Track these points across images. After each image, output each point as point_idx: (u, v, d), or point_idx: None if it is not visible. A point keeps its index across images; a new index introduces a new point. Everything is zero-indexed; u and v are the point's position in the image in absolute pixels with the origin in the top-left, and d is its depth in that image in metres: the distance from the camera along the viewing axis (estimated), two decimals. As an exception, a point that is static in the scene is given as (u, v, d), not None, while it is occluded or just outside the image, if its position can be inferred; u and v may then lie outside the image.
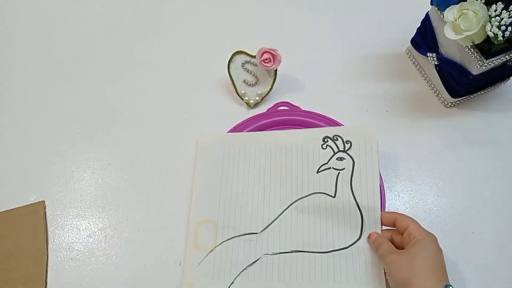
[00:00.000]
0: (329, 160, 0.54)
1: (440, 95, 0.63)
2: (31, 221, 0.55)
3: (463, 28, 0.50)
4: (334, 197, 0.52)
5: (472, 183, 0.57)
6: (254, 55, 0.61)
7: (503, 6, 0.49)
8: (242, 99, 0.63)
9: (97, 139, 0.61)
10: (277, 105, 0.63)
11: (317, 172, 0.54)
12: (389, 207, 0.56)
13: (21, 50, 0.70)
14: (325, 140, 0.55)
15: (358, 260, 0.49)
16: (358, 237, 0.50)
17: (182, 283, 0.50)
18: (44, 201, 0.56)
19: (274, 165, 0.55)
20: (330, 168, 0.54)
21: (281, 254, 0.50)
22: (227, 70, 0.62)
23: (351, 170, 0.53)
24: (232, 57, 0.61)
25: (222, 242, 0.51)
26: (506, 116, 0.62)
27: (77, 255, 0.53)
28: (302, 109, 0.62)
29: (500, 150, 0.60)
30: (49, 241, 0.54)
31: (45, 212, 0.56)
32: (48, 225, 0.55)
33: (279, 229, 0.52)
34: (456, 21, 0.50)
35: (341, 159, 0.53)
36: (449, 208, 0.56)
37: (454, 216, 0.55)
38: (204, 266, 0.50)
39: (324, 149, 0.55)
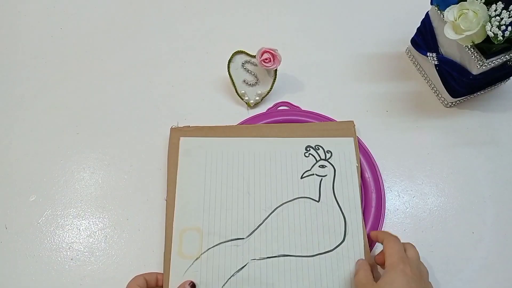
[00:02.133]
0: (312, 167, 0.56)
1: (440, 95, 0.63)
2: (346, 136, 0.58)
3: (463, 28, 0.50)
4: (318, 201, 0.54)
5: (472, 183, 0.57)
6: (254, 55, 0.61)
7: (503, 6, 0.49)
8: (242, 99, 0.63)
9: (97, 139, 0.61)
10: (277, 105, 0.63)
11: (301, 177, 0.55)
12: (389, 207, 0.56)
13: (21, 50, 0.70)
14: (308, 149, 0.57)
15: (343, 262, 0.50)
16: (342, 239, 0.52)
17: None
18: (353, 121, 0.59)
19: (258, 170, 0.56)
20: (313, 174, 0.56)
21: (268, 259, 0.51)
22: (227, 70, 0.62)
23: (333, 176, 0.55)
24: (232, 57, 0.61)
25: (208, 249, 0.51)
26: (506, 116, 0.62)
27: (77, 255, 0.53)
28: (302, 109, 0.62)
29: (500, 150, 0.60)
30: (49, 241, 0.54)
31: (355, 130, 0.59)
32: (48, 225, 0.55)
33: (265, 233, 0.52)
34: (456, 21, 0.50)
35: (323, 166, 0.56)
36: (449, 208, 0.56)
37: (454, 216, 0.55)
38: (190, 274, 0.49)
39: (306, 157, 0.57)
